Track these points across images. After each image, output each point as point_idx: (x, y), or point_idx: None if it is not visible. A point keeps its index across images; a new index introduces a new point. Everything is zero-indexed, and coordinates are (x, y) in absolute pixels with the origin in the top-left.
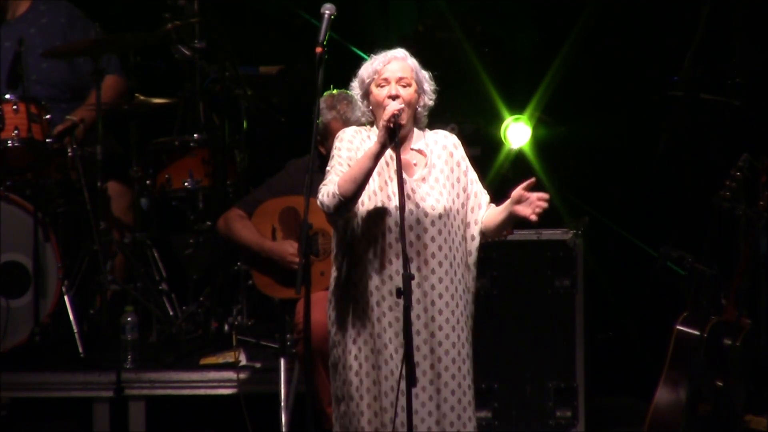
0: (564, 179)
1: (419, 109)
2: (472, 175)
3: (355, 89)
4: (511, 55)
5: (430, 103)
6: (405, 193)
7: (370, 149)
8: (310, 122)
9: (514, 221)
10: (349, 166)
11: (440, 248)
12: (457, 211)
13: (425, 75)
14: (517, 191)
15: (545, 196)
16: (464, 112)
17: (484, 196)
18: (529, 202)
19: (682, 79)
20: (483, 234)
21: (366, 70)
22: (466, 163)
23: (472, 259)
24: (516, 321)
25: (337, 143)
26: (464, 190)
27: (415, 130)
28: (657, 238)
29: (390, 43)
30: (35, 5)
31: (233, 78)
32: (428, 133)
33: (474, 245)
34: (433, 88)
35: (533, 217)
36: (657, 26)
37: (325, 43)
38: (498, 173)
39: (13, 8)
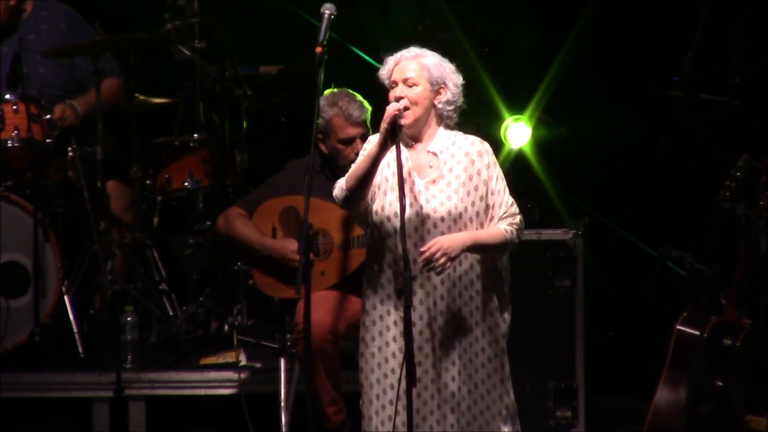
0: (564, 179)
1: (439, 105)
2: (496, 186)
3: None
4: (511, 55)
5: (454, 97)
6: (413, 195)
7: (371, 150)
8: (310, 122)
9: None
10: None
11: None
12: (471, 218)
13: (446, 69)
14: None
15: None
16: (464, 112)
17: (499, 210)
18: None
19: (682, 79)
20: None
21: (383, 74)
22: (490, 173)
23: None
24: (516, 321)
25: (365, 145)
26: (481, 199)
27: (441, 129)
28: (657, 238)
29: (390, 43)
30: (36, 11)
31: (233, 78)
32: (457, 135)
33: None
34: (458, 81)
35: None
36: (657, 26)
37: (325, 43)
38: None
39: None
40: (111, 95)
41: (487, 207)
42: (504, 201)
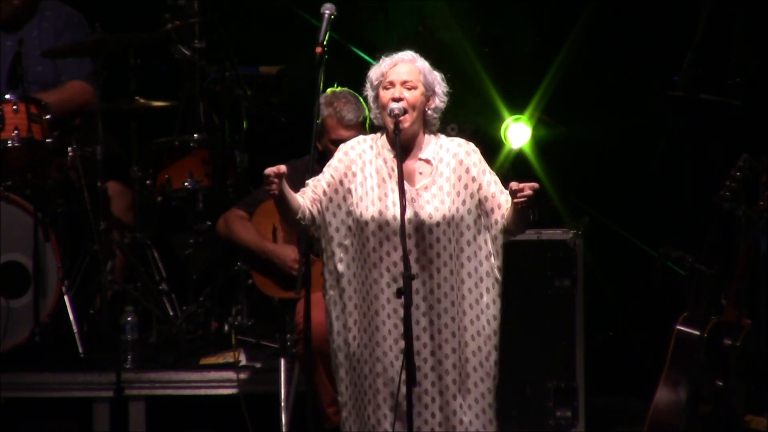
0: (564, 179)
1: (429, 111)
2: (488, 177)
3: (368, 92)
4: (511, 55)
5: (442, 105)
6: (406, 201)
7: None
8: (310, 122)
9: (519, 210)
10: (327, 183)
11: (438, 255)
12: (461, 218)
13: (437, 77)
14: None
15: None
16: (464, 112)
17: (504, 196)
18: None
19: (682, 79)
20: (507, 232)
21: (374, 73)
22: (478, 168)
23: (495, 261)
24: (516, 321)
25: (335, 154)
26: (472, 197)
27: (427, 137)
28: (657, 238)
29: (390, 43)
30: (40, 10)
31: (233, 78)
32: (443, 139)
33: (497, 246)
34: (445, 90)
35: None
36: (657, 26)
37: (325, 43)
38: (498, 173)
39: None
40: (81, 98)
41: (480, 203)
42: (500, 189)
